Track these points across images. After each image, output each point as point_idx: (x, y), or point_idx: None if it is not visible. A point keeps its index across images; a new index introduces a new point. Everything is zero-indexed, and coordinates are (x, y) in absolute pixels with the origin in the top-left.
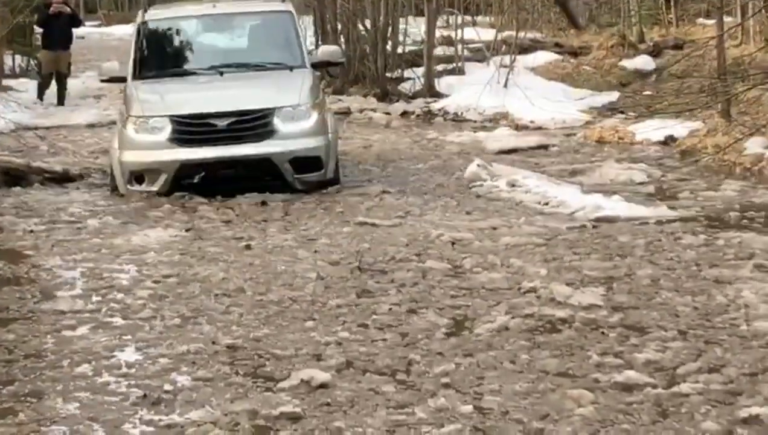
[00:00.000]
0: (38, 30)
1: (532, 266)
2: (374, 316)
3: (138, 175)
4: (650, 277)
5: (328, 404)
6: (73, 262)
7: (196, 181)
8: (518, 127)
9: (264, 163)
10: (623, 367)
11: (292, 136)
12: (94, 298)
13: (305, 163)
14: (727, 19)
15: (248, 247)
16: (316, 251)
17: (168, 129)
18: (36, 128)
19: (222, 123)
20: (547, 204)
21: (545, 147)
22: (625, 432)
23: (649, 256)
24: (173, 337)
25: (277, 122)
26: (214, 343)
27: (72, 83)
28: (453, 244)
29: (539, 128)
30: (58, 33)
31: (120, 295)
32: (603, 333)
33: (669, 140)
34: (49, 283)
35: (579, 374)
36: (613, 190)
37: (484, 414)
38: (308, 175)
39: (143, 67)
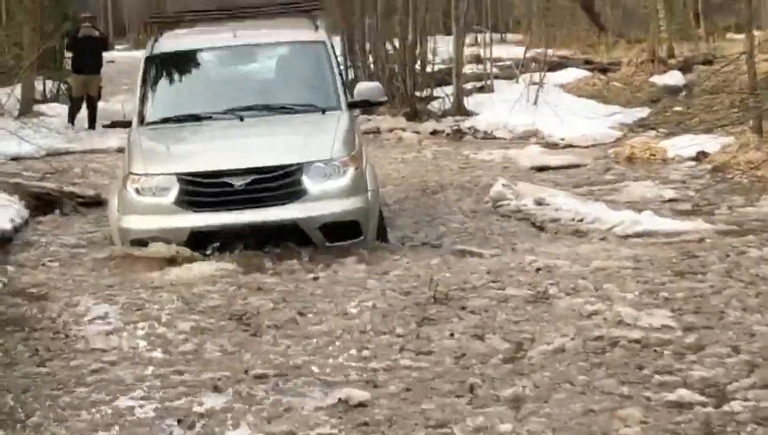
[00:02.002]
0: (68, 54)
1: (619, 290)
2: (433, 344)
3: (140, 245)
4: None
5: (366, 423)
6: (109, 296)
7: (209, 252)
8: (549, 145)
9: (290, 229)
10: (677, 384)
11: (323, 197)
12: (134, 332)
13: (340, 229)
14: (756, 33)
15: (316, 278)
16: (388, 281)
17: (175, 189)
18: (67, 152)
19: (240, 182)
20: (581, 220)
21: (576, 165)
22: None
23: (721, 273)
24: (213, 368)
25: (305, 180)
26: (247, 372)
27: (102, 107)
28: (538, 270)
29: (570, 145)
30: (88, 57)
31: (161, 329)
32: (656, 351)
33: (701, 156)
34: (81, 318)
35: (632, 394)
36: (642, 207)
37: (524, 433)
38: (343, 243)
39: (150, 110)
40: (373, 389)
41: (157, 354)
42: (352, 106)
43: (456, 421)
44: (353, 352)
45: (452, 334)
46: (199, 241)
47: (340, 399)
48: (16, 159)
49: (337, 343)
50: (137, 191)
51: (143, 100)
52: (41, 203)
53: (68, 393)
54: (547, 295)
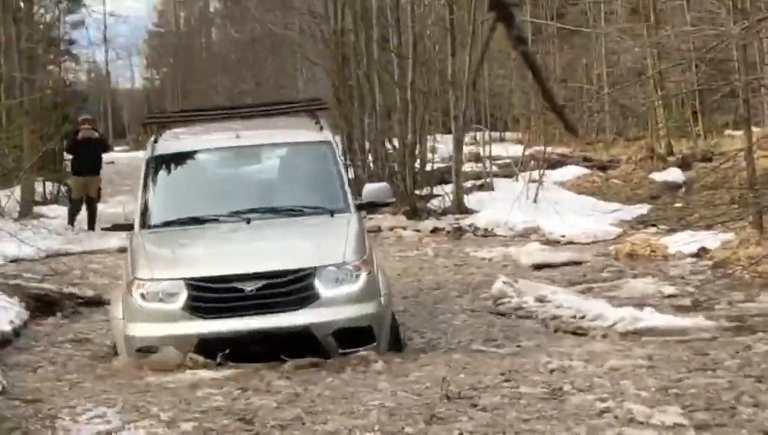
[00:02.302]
0: (68, 156)
1: (632, 389)
2: None
3: (147, 353)
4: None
5: None
6: (108, 399)
7: (219, 362)
8: (549, 242)
9: (302, 336)
10: None
11: (336, 302)
12: (134, 432)
13: (353, 335)
14: (755, 129)
15: (325, 379)
16: (399, 383)
17: (183, 295)
18: (67, 254)
19: (250, 287)
20: (583, 317)
21: (577, 262)
22: None
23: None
24: None
25: (317, 285)
26: None
27: (102, 208)
28: (552, 371)
29: (570, 242)
30: (87, 158)
31: (161, 430)
32: None
33: (701, 252)
34: (79, 417)
35: None
36: (642, 303)
37: None
38: (357, 350)
39: (153, 212)
40: None
41: None
42: (359, 208)
43: None
44: None
45: (460, 434)
46: (208, 349)
47: None
48: (15, 261)
49: None
50: (143, 297)
51: (145, 202)
52: (41, 305)
53: None
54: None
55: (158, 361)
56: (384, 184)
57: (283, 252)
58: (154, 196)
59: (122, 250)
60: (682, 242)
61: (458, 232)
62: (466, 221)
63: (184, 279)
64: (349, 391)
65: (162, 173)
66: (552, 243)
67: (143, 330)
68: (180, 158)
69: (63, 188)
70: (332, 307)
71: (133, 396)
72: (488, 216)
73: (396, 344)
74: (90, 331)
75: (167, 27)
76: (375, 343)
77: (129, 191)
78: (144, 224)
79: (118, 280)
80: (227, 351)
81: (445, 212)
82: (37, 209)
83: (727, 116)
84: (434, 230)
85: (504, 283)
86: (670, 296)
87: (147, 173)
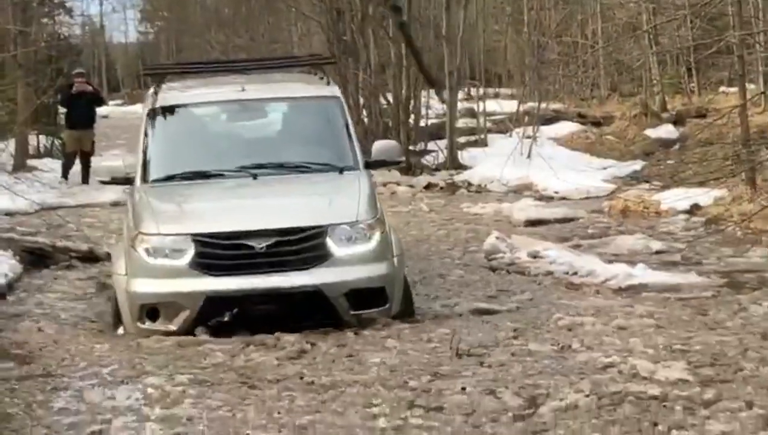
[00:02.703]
0: (62, 110)
1: (640, 346)
2: (443, 399)
3: (151, 310)
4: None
5: None
6: (105, 355)
7: (226, 319)
8: (542, 198)
9: (313, 296)
10: None
11: (348, 262)
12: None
13: (365, 296)
14: (749, 86)
15: (311, 345)
16: (409, 342)
17: (190, 251)
18: (61, 207)
19: (261, 244)
20: (576, 274)
21: (570, 218)
22: None
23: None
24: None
25: (330, 244)
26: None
27: (96, 162)
28: (570, 329)
29: (564, 198)
30: (82, 112)
31: (155, 380)
32: (665, 406)
33: (694, 209)
34: (74, 373)
35: None
36: (631, 260)
37: None
38: (369, 312)
39: (155, 166)
40: None
41: (156, 410)
42: (368, 166)
43: None
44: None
45: (464, 389)
46: (215, 307)
47: None
48: (9, 214)
49: (344, 398)
50: (147, 252)
51: (146, 156)
52: (35, 258)
53: None
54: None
55: (159, 329)
56: (393, 143)
57: (294, 209)
58: (155, 150)
59: (116, 204)
60: (676, 199)
61: (452, 187)
62: (459, 177)
63: (192, 234)
64: (355, 349)
65: (164, 126)
66: (545, 198)
67: (147, 286)
68: (183, 111)
69: (57, 142)
70: (345, 266)
71: (131, 353)
72: (482, 172)
73: (408, 307)
74: (84, 286)
75: None
76: (387, 305)
77: (124, 145)
78: (145, 178)
79: (112, 233)
80: (235, 310)
81: (438, 168)
82: (31, 163)
83: (721, 73)
84: (428, 186)
85: (497, 238)
86: (659, 252)
87: (148, 125)
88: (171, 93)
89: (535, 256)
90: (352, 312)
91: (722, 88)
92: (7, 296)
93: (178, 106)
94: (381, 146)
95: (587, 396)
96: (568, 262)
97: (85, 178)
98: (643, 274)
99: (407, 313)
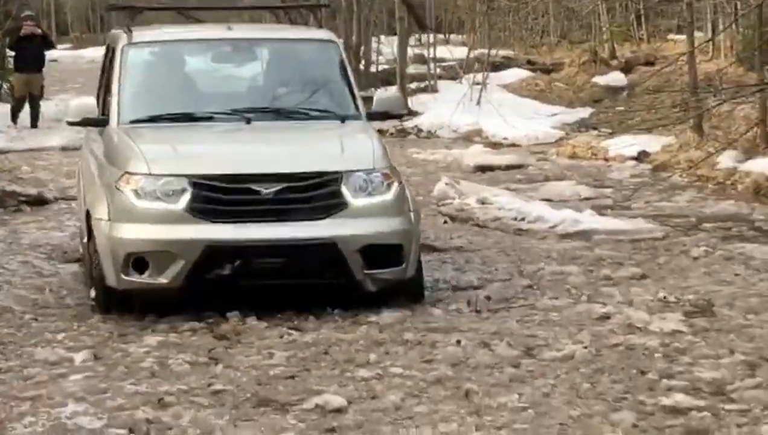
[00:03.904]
0: (10, 53)
1: (633, 297)
2: (436, 351)
3: (138, 260)
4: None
5: (333, 430)
6: (60, 314)
7: (227, 272)
8: (492, 144)
9: (326, 250)
10: (676, 389)
11: (365, 213)
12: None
13: (381, 253)
14: (697, 34)
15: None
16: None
17: (187, 195)
18: (10, 151)
19: (267, 190)
20: (523, 219)
21: (519, 164)
22: None
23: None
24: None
25: (345, 193)
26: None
27: (45, 106)
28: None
29: (513, 145)
30: (31, 56)
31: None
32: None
33: (642, 156)
34: (26, 333)
35: (631, 399)
36: (558, 205)
37: None
38: (382, 272)
39: (133, 106)
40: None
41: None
42: (371, 117)
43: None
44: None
45: (459, 342)
46: (215, 259)
47: (317, 404)
48: None
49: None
50: (136, 194)
51: (121, 95)
52: None
53: None
54: None
55: (147, 282)
56: (397, 94)
57: (304, 152)
58: (132, 90)
59: (65, 148)
60: (623, 145)
61: (402, 133)
62: (409, 123)
63: (189, 176)
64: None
65: (142, 64)
66: (495, 145)
67: (135, 232)
68: (165, 47)
69: (5, 86)
70: (361, 218)
71: (90, 309)
72: (432, 118)
73: (418, 275)
74: (33, 230)
75: None
76: (403, 265)
77: (79, 89)
78: (122, 119)
79: (63, 178)
80: (237, 263)
81: None
82: None
83: (670, 21)
84: (378, 132)
85: (446, 184)
86: (582, 199)
87: (123, 63)
88: (149, 30)
89: (483, 202)
90: (366, 271)
91: (671, 36)
92: None
93: (159, 42)
94: (384, 97)
95: (586, 347)
96: (516, 207)
97: (34, 122)
98: (589, 220)
99: (417, 282)
